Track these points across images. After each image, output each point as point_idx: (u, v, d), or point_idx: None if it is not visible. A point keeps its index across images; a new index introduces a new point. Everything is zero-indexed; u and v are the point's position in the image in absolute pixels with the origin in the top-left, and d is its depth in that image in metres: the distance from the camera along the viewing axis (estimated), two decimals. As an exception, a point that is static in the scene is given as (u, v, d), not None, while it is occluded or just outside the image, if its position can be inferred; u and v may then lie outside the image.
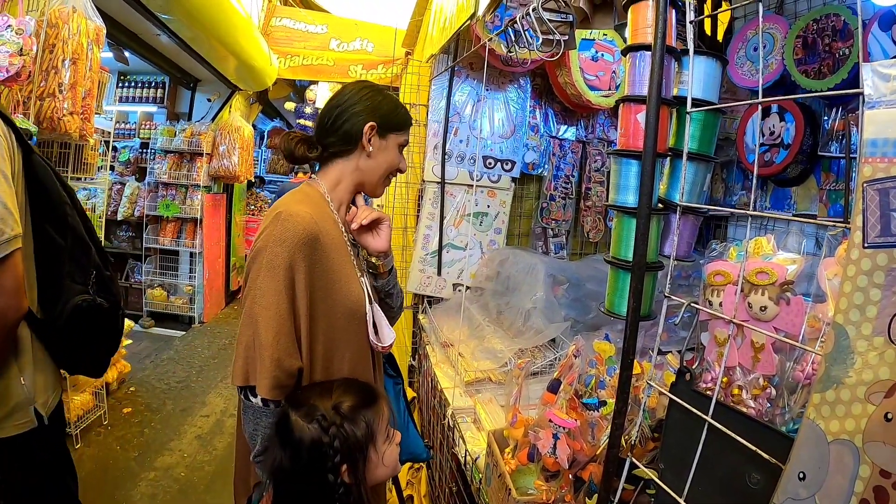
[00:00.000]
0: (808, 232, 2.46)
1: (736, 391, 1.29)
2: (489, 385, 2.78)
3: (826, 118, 2.43)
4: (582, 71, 3.50)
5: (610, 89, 3.59)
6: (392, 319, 2.17)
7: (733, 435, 1.09)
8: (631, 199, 1.39)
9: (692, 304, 1.25)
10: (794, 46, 2.37)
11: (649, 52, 1.29)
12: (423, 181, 3.82)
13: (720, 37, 2.74)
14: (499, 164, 3.80)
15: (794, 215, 2.60)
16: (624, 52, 1.43)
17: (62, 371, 2.16)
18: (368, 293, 1.95)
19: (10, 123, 1.84)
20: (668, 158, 1.46)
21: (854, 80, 2.20)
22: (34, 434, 1.95)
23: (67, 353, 2.09)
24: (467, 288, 3.71)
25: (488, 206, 3.85)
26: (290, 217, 1.75)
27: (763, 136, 2.56)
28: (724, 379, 1.30)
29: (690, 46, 1.29)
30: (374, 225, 2.01)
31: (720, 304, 1.34)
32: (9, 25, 3.33)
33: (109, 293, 2.17)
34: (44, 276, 1.97)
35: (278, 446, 1.59)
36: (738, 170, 2.99)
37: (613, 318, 1.44)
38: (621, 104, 1.42)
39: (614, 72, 3.60)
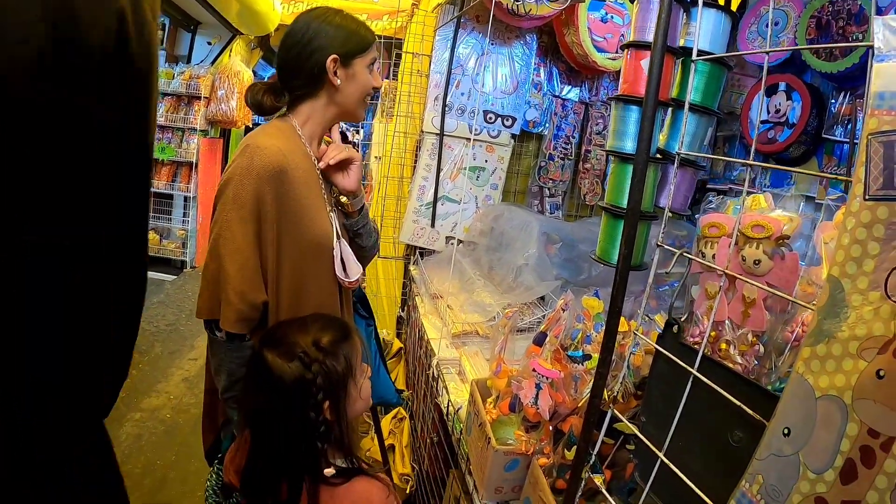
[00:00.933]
0: (797, 197, 2.45)
1: (724, 346, 1.28)
2: (476, 338, 2.78)
3: (833, 101, 2.41)
4: (590, 31, 3.45)
5: (617, 52, 3.53)
6: (364, 259, 2.15)
7: (719, 389, 1.08)
8: (629, 146, 1.36)
9: (685, 254, 1.23)
10: (808, 26, 2.33)
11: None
12: (422, 132, 3.78)
13: (734, 7, 2.69)
14: (499, 119, 3.76)
15: (787, 169, 2.58)
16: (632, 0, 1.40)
17: None
18: (337, 229, 1.95)
19: None
20: (670, 109, 1.43)
21: (865, 64, 2.18)
22: None
23: None
24: (460, 241, 3.69)
25: (486, 161, 3.81)
26: (258, 149, 1.76)
27: (768, 112, 2.54)
28: (713, 333, 1.28)
29: (700, -6, 1.25)
30: (343, 164, 1.97)
31: (713, 257, 1.32)
32: None
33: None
34: None
35: (255, 389, 1.58)
36: (740, 145, 2.97)
37: (604, 265, 1.42)
38: (626, 50, 1.39)
39: (623, 35, 3.54)
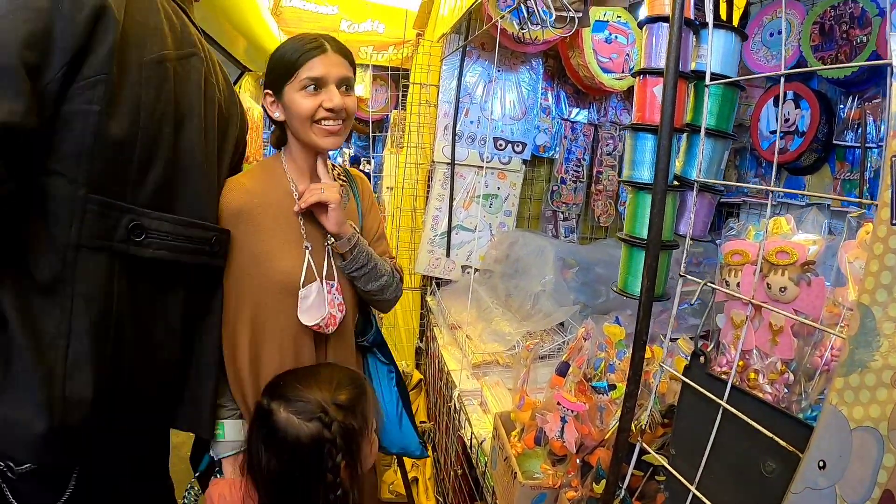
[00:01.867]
0: (822, 216, 2.42)
1: (752, 375, 1.25)
2: (496, 368, 2.75)
3: (842, 107, 2.39)
4: (595, 53, 3.46)
5: (623, 72, 3.54)
6: (376, 304, 2.15)
7: (749, 421, 1.05)
8: (646, 175, 1.34)
9: (709, 284, 1.21)
10: (811, 33, 2.33)
11: (667, 24, 1.25)
12: (433, 162, 3.77)
13: (735, 22, 2.69)
14: (510, 145, 3.75)
15: (805, 194, 2.56)
16: (640, 25, 1.39)
17: None
18: (311, 268, 1.89)
19: None
20: (685, 134, 1.42)
21: (872, 68, 2.16)
22: None
23: None
24: (476, 270, 3.67)
25: (498, 188, 3.80)
26: (225, 188, 1.83)
27: (777, 122, 2.52)
28: (740, 363, 1.26)
29: (710, 18, 1.24)
30: (321, 205, 1.87)
31: (737, 285, 1.30)
32: None
33: None
34: None
35: (266, 449, 1.48)
36: (751, 157, 2.96)
37: (626, 297, 1.40)
38: (637, 77, 1.38)
39: (628, 54, 3.55)
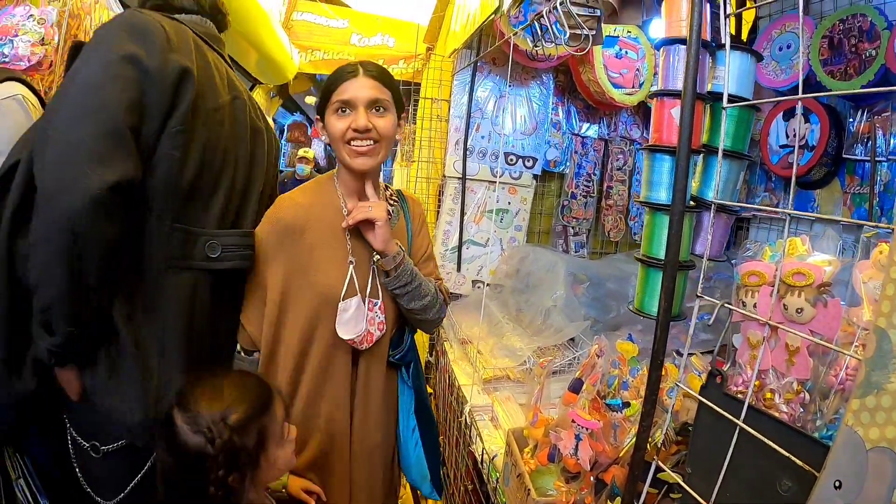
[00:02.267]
0: (833, 233, 2.42)
1: (768, 395, 1.26)
2: (507, 383, 2.75)
3: (851, 120, 2.40)
4: (606, 68, 3.47)
5: (634, 87, 3.55)
6: (419, 324, 2.17)
7: (766, 440, 1.06)
8: (663, 196, 1.36)
9: (726, 305, 1.22)
10: (820, 47, 2.34)
11: (684, 46, 1.26)
12: (444, 177, 3.79)
13: (744, 37, 2.70)
14: (520, 160, 3.77)
15: (821, 217, 2.56)
16: (657, 46, 1.41)
17: None
18: (353, 283, 1.95)
19: (41, 100, 2.02)
20: (701, 155, 1.43)
21: (881, 81, 2.17)
22: None
23: None
24: (487, 285, 3.68)
25: (509, 203, 3.81)
26: (277, 202, 2.02)
27: (787, 137, 2.53)
28: (757, 382, 1.27)
29: (727, 40, 1.25)
30: (368, 223, 1.94)
31: (754, 306, 1.31)
32: (31, 15, 3.33)
33: None
34: None
35: (164, 447, 1.50)
36: (760, 171, 2.96)
37: (643, 317, 1.41)
38: (654, 99, 1.39)
39: (638, 69, 3.56)
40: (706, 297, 1.19)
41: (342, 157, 1.94)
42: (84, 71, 1.54)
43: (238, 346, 2.06)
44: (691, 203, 1.39)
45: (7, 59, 3.26)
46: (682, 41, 1.31)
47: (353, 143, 1.89)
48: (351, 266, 1.96)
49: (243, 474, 1.47)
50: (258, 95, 8.11)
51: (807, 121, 2.47)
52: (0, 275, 1.57)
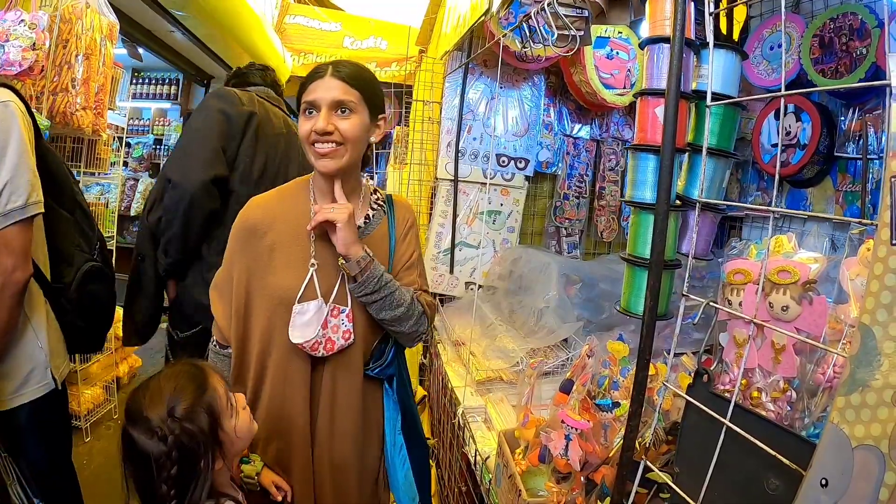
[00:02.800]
0: (823, 233, 2.42)
1: (755, 394, 1.26)
2: (500, 384, 2.75)
3: (843, 118, 2.39)
4: (597, 69, 3.47)
5: (625, 87, 3.55)
6: (396, 336, 2.09)
7: (752, 439, 1.06)
8: (648, 195, 1.36)
9: (711, 304, 1.21)
10: (811, 46, 2.33)
11: (668, 45, 1.26)
12: (437, 179, 3.79)
13: (735, 36, 2.70)
14: (512, 162, 3.77)
15: (809, 215, 2.57)
16: (642, 46, 1.40)
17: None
18: (313, 287, 1.93)
19: (27, 107, 2.04)
20: (687, 154, 1.43)
21: (872, 79, 2.17)
22: (49, 400, 2.17)
23: (75, 321, 2.30)
24: (480, 287, 3.68)
25: (501, 205, 3.81)
26: (248, 202, 2.07)
27: (779, 135, 2.53)
28: (743, 381, 1.27)
29: (710, 38, 1.25)
30: (331, 225, 1.89)
31: (740, 304, 1.30)
32: (22, 20, 3.33)
33: (109, 266, 2.47)
34: (55, 247, 2.22)
35: (132, 467, 1.54)
36: (753, 170, 2.95)
37: (629, 317, 1.41)
38: (639, 98, 1.39)
39: (629, 70, 3.56)
40: (692, 297, 1.18)
41: (309, 158, 1.92)
42: (195, 119, 2.91)
43: (213, 340, 2.13)
44: (677, 202, 1.39)
45: (-1, 65, 3.26)
46: (666, 40, 1.31)
47: (316, 145, 1.86)
48: (312, 269, 1.93)
49: (208, 455, 1.51)
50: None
51: (798, 119, 2.46)
52: (146, 232, 2.91)
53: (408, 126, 4.16)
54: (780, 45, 2.51)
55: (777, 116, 2.56)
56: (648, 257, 1.20)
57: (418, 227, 2.23)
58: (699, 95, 1.36)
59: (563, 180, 3.99)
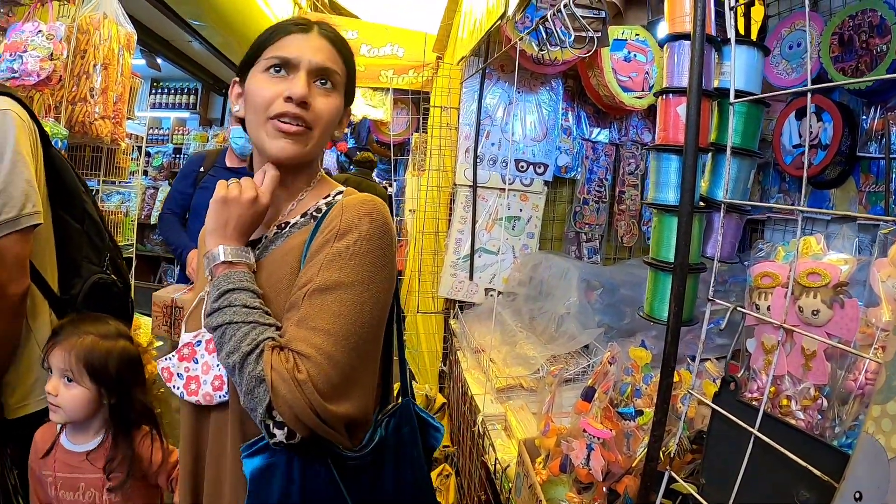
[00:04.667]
0: (850, 234, 2.38)
1: (784, 402, 1.22)
2: (521, 392, 2.71)
3: (864, 117, 2.35)
4: (615, 72, 3.43)
5: (643, 90, 3.51)
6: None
7: (782, 450, 1.02)
8: (671, 197, 1.32)
9: (738, 308, 1.18)
10: (831, 44, 2.29)
11: (688, 42, 1.23)
12: (455, 185, 3.77)
13: (753, 36, 2.67)
14: (531, 167, 3.74)
15: (842, 214, 2.52)
16: (661, 43, 1.37)
17: None
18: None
19: (33, 117, 2.01)
20: (710, 154, 1.39)
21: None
22: None
23: None
24: (499, 293, 3.64)
25: (521, 210, 3.78)
26: None
27: (800, 136, 2.48)
28: (772, 389, 1.23)
29: (731, 34, 1.22)
30: None
31: (768, 308, 1.26)
32: (39, 31, 3.36)
33: (121, 277, 2.37)
34: (63, 258, 2.16)
35: None
36: (774, 172, 2.91)
37: (653, 323, 1.37)
38: (659, 97, 1.36)
39: (647, 72, 3.52)
40: (718, 301, 1.15)
41: (258, 136, 1.34)
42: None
43: None
44: (701, 204, 1.35)
45: (17, 75, 3.29)
46: (686, 37, 1.28)
47: (280, 119, 1.31)
48: (206, 290, 1.35)
49: None
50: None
51: (819, 119, 2.42)
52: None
53: (426, 133, 4.15)
54: (799, 44, 2.47)
55: (798, 117, 2.52)
56: (672, 261, 1.17)
57: (367, 242, 1.25)
58: (721, 93, 1.32)
59: (582, 185, 3.95)
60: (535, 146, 3.74)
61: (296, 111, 1.29)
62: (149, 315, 3.34)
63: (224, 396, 1.30)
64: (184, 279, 3.66)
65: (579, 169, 3.94)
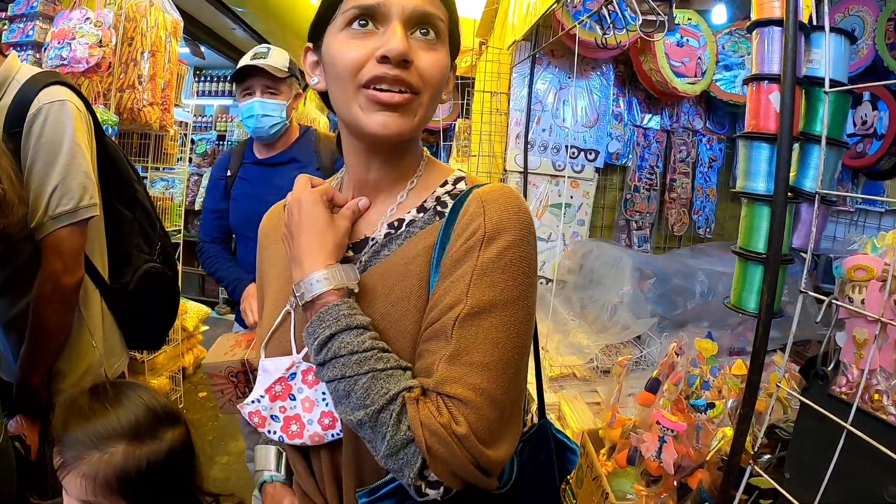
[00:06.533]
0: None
1: (876, 396, 1.19)
2: (574, 381, 2.70)
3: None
4: (667, 57, 3.39)
5: (696, 76, 3.46)
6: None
7: (878, 445, 0.99)
8: (761, 186, 1.29)
9: (834, 301, 1.15)
10: (886, 30, 2.23)
11: (778, 28, 1.20)
12: (506, 171, 3.74)
13: (806, 20, 2.61)
14: (582, 153, 3.70)
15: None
16: (749, 29, 1.34)
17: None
18: (288, 333, 1.14)
19: (88, 105, 2.00)
20: (798, 143, 1.36)
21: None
22: None
23: (133, 321, 2.26)
24: (550, 281, 3.61)
25: (571, 197, 3.75)
26: None
27: (855, 125, 2.43)
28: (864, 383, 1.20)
29: (826, 21, 1.18)
30: None
31: (861, 302, 1.23)
32: (87, 18, 3.38)
33: (171, 265, 2.38)
34: (114, 247, 2.17)
35: None
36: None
37: (741, 314, 1.34)
38: (749, 84, 1.32)
39: (700, 58, 3.47)
40: (813, 294, 1.12)
41: (350, 113, 1.02)
42: None
43: None
44: (789, 194, 1.32)
45: (66, 62, 3.31)
46: (776, 23, 1.25)
47: (374, 86, 0.98)
48: (290, 305, 1.15)
49: None
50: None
51: (874, 108, 2.37)
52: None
53: (470, 118, 4.12)
54: (853, 30, 2.41)
55: (852, 106, 2.45)
56: (762, 251, 1.14)
57: (519, 248, 0.99)
58: (810, 81, 1.29)
59: (633, 172, 3.90)
60: (586, 132, 3.70)
61: (395, 73, 0.97)
62: (194, 300, 3.30)
63: (338, 434, 1.07)
64: (239, 319, 3.00)
65: (630, 156, 3.89)
